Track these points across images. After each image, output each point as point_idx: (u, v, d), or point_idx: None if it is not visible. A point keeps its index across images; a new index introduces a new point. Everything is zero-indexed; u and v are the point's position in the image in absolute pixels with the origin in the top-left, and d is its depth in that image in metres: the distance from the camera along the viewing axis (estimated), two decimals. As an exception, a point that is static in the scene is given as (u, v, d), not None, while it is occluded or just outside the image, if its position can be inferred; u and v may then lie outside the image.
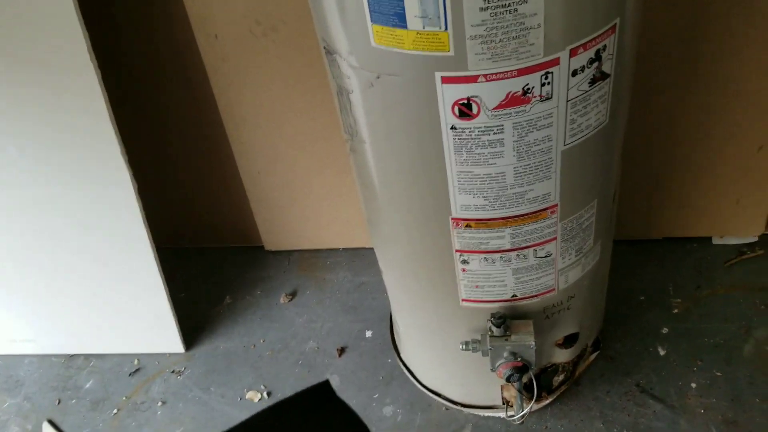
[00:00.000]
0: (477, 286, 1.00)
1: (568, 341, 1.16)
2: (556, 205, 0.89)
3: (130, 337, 1.46)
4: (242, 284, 1.59)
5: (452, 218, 0.89)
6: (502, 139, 0.78)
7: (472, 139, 0.79)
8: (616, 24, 0.74)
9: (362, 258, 1.58)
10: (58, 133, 1.20)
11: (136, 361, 1.47)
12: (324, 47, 0.83)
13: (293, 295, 1.55)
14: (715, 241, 1.49)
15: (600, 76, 0.78)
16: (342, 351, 1.42)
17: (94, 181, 1.25)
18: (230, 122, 1.38)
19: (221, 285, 1.59)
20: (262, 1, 1.19)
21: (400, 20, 0.70)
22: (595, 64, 0.76)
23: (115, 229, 1.31)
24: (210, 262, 1.64)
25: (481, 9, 0.67)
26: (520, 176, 0.83)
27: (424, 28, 0.69)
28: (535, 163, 0.82)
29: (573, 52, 0.73)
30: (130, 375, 1.44)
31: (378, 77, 0.77)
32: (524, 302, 1.02)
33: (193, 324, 1.51)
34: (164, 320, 1.43)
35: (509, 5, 0.67)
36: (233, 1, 1.20)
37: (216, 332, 1.49)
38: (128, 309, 1.41)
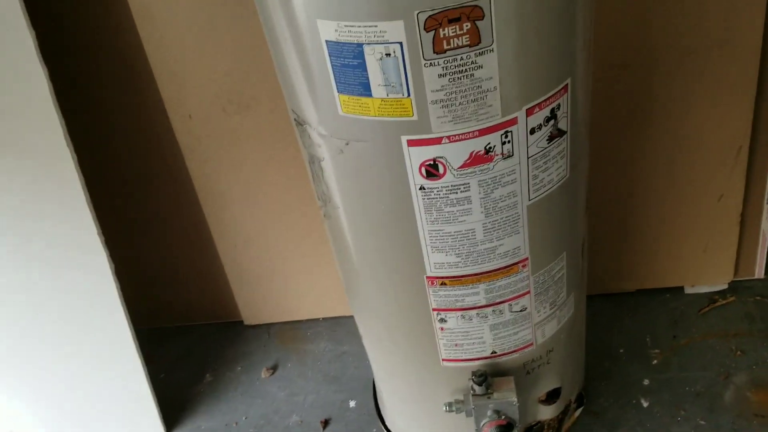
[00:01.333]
0: (456, 345, 1.01)
1: (551, 397, 1.16)
2: (527, 258, 0.91)
3: (109, 422, 1.42)
4: (222, 361, 1.57)
5: (427, 277, 0.91)
6: (469, 196, 0.82)
7: (440, 198, 0.82)
8: (567, 84, 0.79)
9: (343, 327, 1.58)
10: (34, 218, 1.21)
11: (115, 447, 1.43)
12: (294, 119, 0.87)
13: (274, 368, 1.53)
14: (687, 290, 1.52)
15: (557, 133, 0.82)
16: (326, 423, 1.40)
17: (70, 264, 1.25)
18: (206, 198, 1.41)
19: (201, 363, 1.57)
20: (234, 81, 1.24)
21: (365, 89, 0.74)
22: (552, 122, 0.80)
23: (91, 312, 1.30)
24: (189, 340, 1.63)
25: (440, 75, 0.71)
26: (490, 232, 0.86)
27: (387, 95, 0.73)
28: (502, 218, 0.85)
29: (529, 112, 0.77)
30: (109, 462, 1.41)
31: (347, 144, 0.80)
32: (504, 358, 1.03)
33: (174, 404, 1.48)
34: (144, 403, 1.40)
35: (466, 71, 0.71)
36: (205, 81, 1.24)
37: (197, 411, 1.47)
38: (107, 393, 1.39)
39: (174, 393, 1.51)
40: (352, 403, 1.43)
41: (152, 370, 1.39)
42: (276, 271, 1.51)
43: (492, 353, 1.02)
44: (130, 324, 1.31)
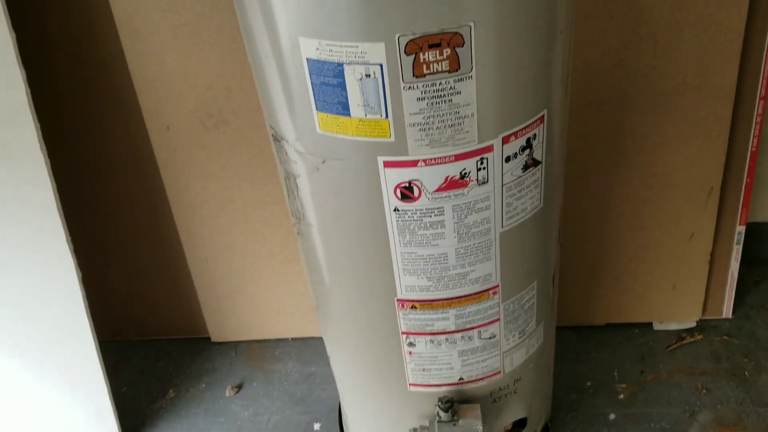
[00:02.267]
0: (424, 370, 1.00)
1: (517, 427, 1.16)
2: (498, 286, 0.91)
3: (66, 435, 1.39)
4: (187, 377, 1.54)
5: (398, 299, 0.91)
6: (443, 221, 0.82)
7: (414, 220, 0.82)
8: (544, 115, 0.80)
9: (311, 348, 1.57)
10: (1, 220, 1.19)
11: (70, 461, 1.39)
12: (272, 134, 0.87)
13: (239, 387, 1.51)
14: (656, 326, 1.54)
15: (532, 163, 0.83)
16: (289, 445, 1.38)
17: (36, 270, 1.23)
18: (179, 211, 1.39)
19: (165, 378, 1.55)
20: (214, 95, 1.24)
21: (344, 109, 0.74)
22: (527, 151, 0.81)
23: (55, 321, 1.27)
24: (154, 354, 1.60)
25: (419, 99, 0.72)
26: (462, 257, 0.86)
27: (366, 116, 0.74)
28: (475, 244, 0.85)
29: (505, 140, 0.78)
30: (63, 476, 1.37)
31: (323, 162, 0.80)
32: (471, 386, 1.03)
33: (135, 420, 1.45)
34: (104, 417, 1.37)
35: (444, 96, 0.72)
36: (185, 94, 1.24)
37: (158, 427, 1.44)
38: (66, 405, 1.36)
39: (135, 408, 1.48)
40: (316, 426, 1.41)
41: (114, 383, 1.37)
42: (246, 288, 1.50)
43: (459, 380, 1.01)
44: (94, 335, 1.28)
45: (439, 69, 0.70)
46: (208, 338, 1.61)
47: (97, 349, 1.29)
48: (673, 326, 1.53)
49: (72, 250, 1.21)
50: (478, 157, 0.78)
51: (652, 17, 1.15)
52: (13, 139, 1.12)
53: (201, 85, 1.23)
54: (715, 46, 1.17)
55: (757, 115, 1.27)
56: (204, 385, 1.52)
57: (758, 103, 1.26)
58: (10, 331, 1.28)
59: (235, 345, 1.60)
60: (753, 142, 1.30)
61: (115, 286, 1.53)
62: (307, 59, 0.72)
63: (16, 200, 1.17)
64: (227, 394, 1.49)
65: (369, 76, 0.70)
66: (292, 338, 1.60)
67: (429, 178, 0.78)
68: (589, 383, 1.43)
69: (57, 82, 1.29)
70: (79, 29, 1.23)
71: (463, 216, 0.82)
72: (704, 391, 1.39)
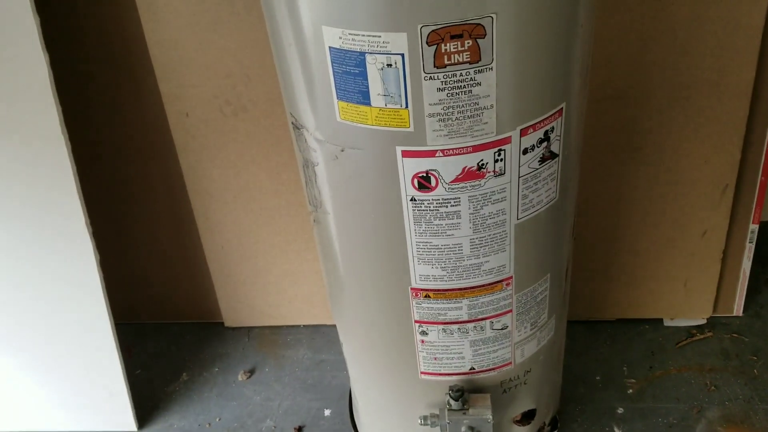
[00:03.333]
0: (435, 359, 1.01)
1: (526, 418, 1.17)
2: (511, 277, 0.92)
3: (81, 415, 1.41)
4: (200, 361, 1.56)
5: (411, 288, 0.92)
6: (459, 211, 0.83)
7: (430, 210, 0.83)
8: (562, 108, 0.81)
9: (323, 335, 1.58)
10: (22, 202, 1.20)
11: (85, 440, 1.42)
12: (292, 122, 0.88)
13: (252, 372, 1.53)
14: (667, 322, 1.54)
15: (549, 156, 0.84)
16: (299, 430, 1.39)
17: (55, 252, 1.24)
18: (196, 197, 1.41)
19: (178, 362, 1.57)
20: (233, 82, 1.25)
21: (364, 98, 0.75)
22: (544, 144, 0.82)
23: (73, 302, 1.29)
24: (168, 338, 1.62)
25: (439, 89, 0.73)
26: (476, 248, 0.87)
27: (386, 105, 0.75)
28: (490, 235, 0.86)
29: (523, 132, 0.79)
30: (77, 455, 1.39)
31: (342, 150, 0.81)
32: (482, 375, 1.04)
33: (148, 401, 1.47)
34: (118, 397, 1.39)
35: (464, 87, 0.73)
36: (205, 81, 1.25)
37: (171, 410, 1.46)
38: (81, 385, 1.38)
39: (149, 390, 1.50)
40: (327, 412, 1.43)
41: (129, 365, 1.39)
42: (260, 275, 1.51)
43: (470, 369, 1.02)
44: (111, 317, 1.30)
45: (460, 60, 0.71)
46: (222, 323, 1.62)
47: (113, 332, 1.31)
48: (684, 323, 1.53)
49: (91, 233, 1.22)
50: (496, 149, 0.78)
51: (671, 12, 1.15)
52: (35, 122, 1.14)
53: (220, 73, 1.24)
54: (733, 42, 1.17)
55: (774, 114, 1.27)
56: (217, 370, 1.54)
57: (776, 102, 1.25)
58: (27, 312, 1.30)
59: (248, 330, 1.62)
60: (769, 140, 1.30)
61: (132, 270, 1.55)
62: (329, 48, 0.73)
63: (36, 182, 1.18)
64: (239, 378, 1.51)
65: (390, 65, 0.71)
66: (304, 325, 1.62)
67: (446, 168, 0.79)
68: (598, 377, 1.43)
69: (79, 66, 1.30)
70: (102, 13, 1.25)
71: (478, 207, 0.83)
72: (713, 387, 1.39)
